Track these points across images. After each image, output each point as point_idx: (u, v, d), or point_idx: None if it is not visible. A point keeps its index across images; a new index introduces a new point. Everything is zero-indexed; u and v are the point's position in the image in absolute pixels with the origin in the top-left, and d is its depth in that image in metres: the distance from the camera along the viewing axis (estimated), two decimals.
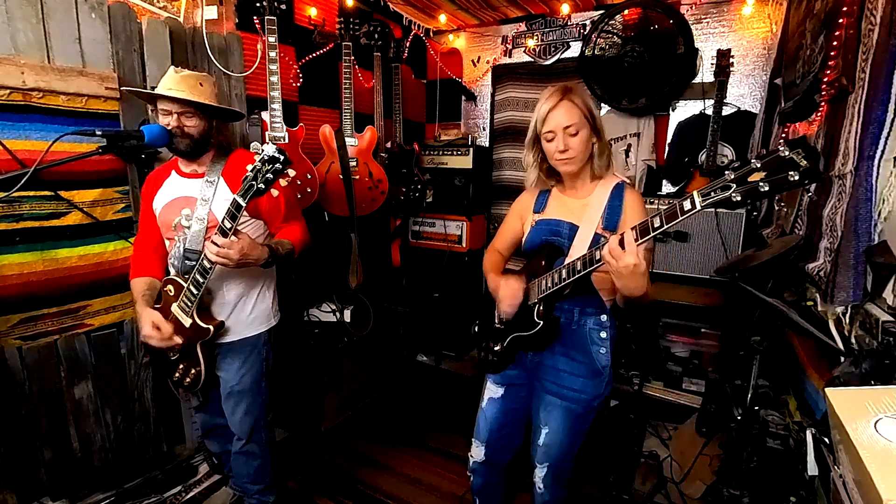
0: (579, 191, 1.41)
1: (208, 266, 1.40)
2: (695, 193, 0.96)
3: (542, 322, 1.33)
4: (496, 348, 1.51)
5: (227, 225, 1.34)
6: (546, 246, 1.39)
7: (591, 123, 1.31)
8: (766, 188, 0.87)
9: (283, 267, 1.72)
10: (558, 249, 1.36)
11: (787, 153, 0.85)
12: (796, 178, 0.84)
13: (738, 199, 0.90)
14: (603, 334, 1.38)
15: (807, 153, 0.84)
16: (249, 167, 1.29)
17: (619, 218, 1.32)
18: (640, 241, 1.05)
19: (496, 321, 1.54)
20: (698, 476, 2.05)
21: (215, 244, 1.34)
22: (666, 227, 1.00)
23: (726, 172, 0.92)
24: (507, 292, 1.37)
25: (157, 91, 1.46)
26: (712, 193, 0.93)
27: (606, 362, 1.38)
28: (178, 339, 1.51)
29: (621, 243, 1.05)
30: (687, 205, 0.97)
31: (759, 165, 0.88)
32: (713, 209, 0.96)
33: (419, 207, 3.33)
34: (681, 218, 0.98)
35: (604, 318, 1.39)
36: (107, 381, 1.94)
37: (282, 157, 1.26)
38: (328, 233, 2.73)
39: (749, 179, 0.89)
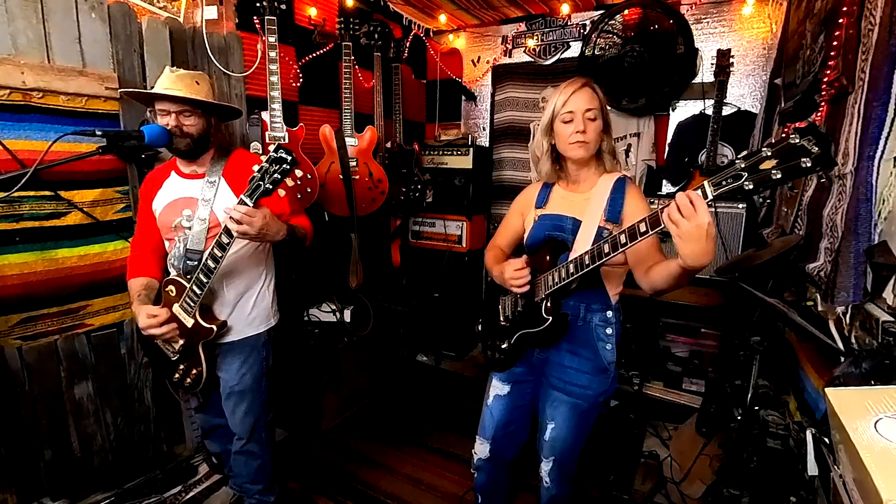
0: (581, 185, 1.41)
1: (212, 265, 1.40)
2: (706, 183, 0.94)
3: (550, 318, 1.33)
4: (503, 346, 1.51)
5: (244, 207, 1.33)
6: (550, 241, 1.39)
7: (604, 117, 1.34)
8: (779, 175, 0.86)
9: (283, 267, 1.73)
10: (562, 244, 1.36)
11: (797, 140, 0.84)
12: (809, 164, 0.83)
13: (751, 187, 0.89)
14: (609, 330, 1.39)
15: (818, 140, 0.83)
16: (256, 167, 1.29)
17: (620, 210, 1.33)
18: (650, 232, 1.04)
19: (501, 319, 1.54)
20: (698, 476, 2.05)
21: (238, 210, 1.29)
22: (711, 197, 0.97)
23: (736, 161, 0.91)
24: (512, 273, 1.35)
25: (153, 91, 1.46)
26: (724, 182, 0.92)
27: (612, 358, 1.39)
28: (180, 341, 1.51)
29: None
30: (699, 194, 0.96)
31: (770, 153, 0.87)
32: (713, 207, 0.93)
33: (419, 207, 3.33)
34: None
35: (609, 314, 1.39)
36: (107, 381, 1.94)
37: (289, 158, 1.26)
38: (328, 233, 2.73)
39: (761, 167, 0.88)
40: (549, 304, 1.34)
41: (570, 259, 1.27)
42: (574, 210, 1.38)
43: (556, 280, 1.30)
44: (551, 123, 1.37)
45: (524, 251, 1.50)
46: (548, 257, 1.36)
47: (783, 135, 2.14)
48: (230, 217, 1.31)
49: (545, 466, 1.49)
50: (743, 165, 0.90)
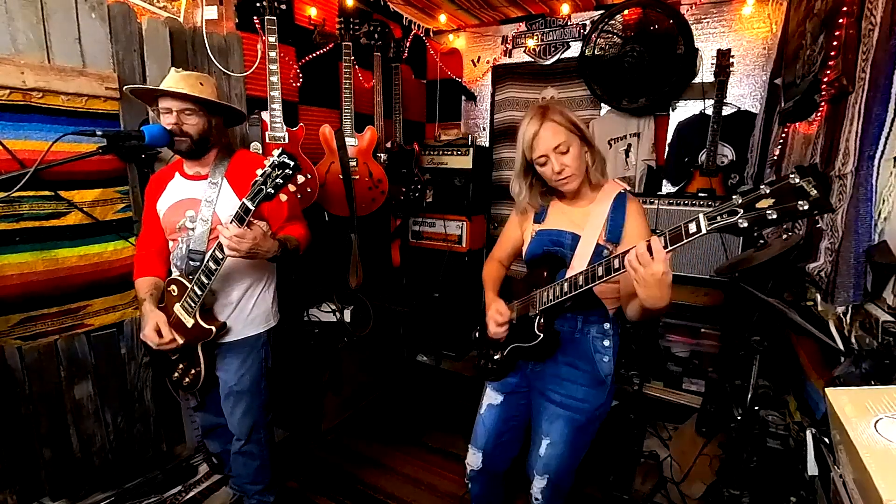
0: (580, 200, 1.39)
1: (213, 267, 1.40)
2: (701, 216, 0.94)
3: (542, 335, 1.32)
4: (496, 357, 1.50)
5: (235, 226, 1.34)
6: (548, 256, 1.38)
7: (579, 135, 1.30)
8: (774, 216, 0.85)
9: (283, 267, 1.72)
10: (560, 260, 1.35)
11: (797, 180, 0.83)
12: (805, 207, 0.82)
13: (745, 225, 0.88)
14: (606, 343, 1.37)
15: (817, 181, 0.81)
16: (259, 171, 1.29)
17: (621, 229, 1.31)
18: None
19: None
20: (698, 476, 2.05)
21: (228, 229, 1.33)
22: (671, 247, 0.99)
23: (734, 197, 0.90)
24: (492, 315, 1.41)
25: (154, 87, 1.46)
26: (718, 218, 0.91)
27: (609, 371, 1.37)
28: (179, 341, 1.51)
29: (649, 249, 1.00)
30: (692, 227, 0.95)
31: (767, 192, 0.86)
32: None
33: (419, 207, 3.33)
34: (686, 240, 0.97)
35: (607, 326, 1.38)
36: (107, 381, 1.94)
37: (292, 163, 1.27)
38: (328, 233, 2.73)
39: (757, 206, 0.86)
40: (541, 321, 1.33)
41: (566, 277, 1.26)
42: (573, 225, 1.37)
43: (551, 297, 1.30)
44: (528, 166, 1.36)
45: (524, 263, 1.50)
46: (545, 273, 1.35)
47: (783, 136, 2.14)
48: (221, 235, 1.33)
49: (538, 484, 1.41)
50: (740, 202, 0.89)
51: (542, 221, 1.44)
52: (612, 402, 1.42)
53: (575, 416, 1.38)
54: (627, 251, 1.06)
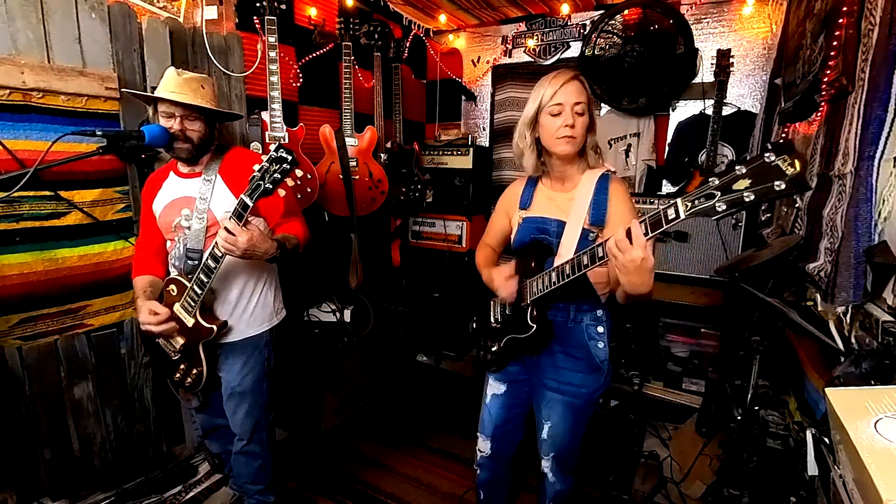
0: (566, 183, 1.40)
1: (213, 265, 1.40)
2: (678, 201, 0.92)
3: (535, 326, 1.33)
4: (493, 348, 1.52)
5: (233, 225, 1.34)
6: (535, 245, 1.38)
7: (590, 113, 1.32)
8: (751, 197, 0.82)
9: (284, 267, 1.72)
10: (547, 248, 1.36)
11: (772, 159, 0.80)
12: (782, 187, 0.79)
13: (723, 208, 0.85)
14: (600, 329, 1.39)
15: (793, 159, 0.78)
16: (256, 167, 1.29)
17: (605, 212, 1.31)
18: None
19: (493, 320, 1.54)
20: (698, 476, 2.05)
21: (226, 230, 1.33)
22: (651, 234, 0.98)
23: (710, 179, 0.87)
24: (501, 281, 1.40)
25: (158, 93, 1.46)
26: (696, 202, 0.89)
27: (605, 356, 1.39)
28: (180, 341, 1.51)
29: (628, 235, 1.00)
30: (671, 213, 0.93)
31: (743, 171, 0.83)
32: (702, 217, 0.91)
33: (419, 207, 3.33)
34: (665, 227, 0.95)
35: (599, 312, 1.39)
36: (107, 381, 1.94)
37: (289, 158, 1.26)
38: (328, 233, 2.73)
39: (734, 187, 0.84)
40: (534, 312, 1.34)
41: (553, 266, 1.27)
42: (558, 212, 1.37)
43: (541, 287, 1.30)
44: (537, 116, 1.33)
45: (512, 252, 1.50)
46: (533, 263, 1.36)
47: (783, 136, 2.14)
48: (219, 235, 1.33)
49: (546, 463, 1.51)
50: (717, 184, 0.86)
51: (527, 208, 1.45)
52: (609, 382, 1.45)
53: (573, 401, 1.42)
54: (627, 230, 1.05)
